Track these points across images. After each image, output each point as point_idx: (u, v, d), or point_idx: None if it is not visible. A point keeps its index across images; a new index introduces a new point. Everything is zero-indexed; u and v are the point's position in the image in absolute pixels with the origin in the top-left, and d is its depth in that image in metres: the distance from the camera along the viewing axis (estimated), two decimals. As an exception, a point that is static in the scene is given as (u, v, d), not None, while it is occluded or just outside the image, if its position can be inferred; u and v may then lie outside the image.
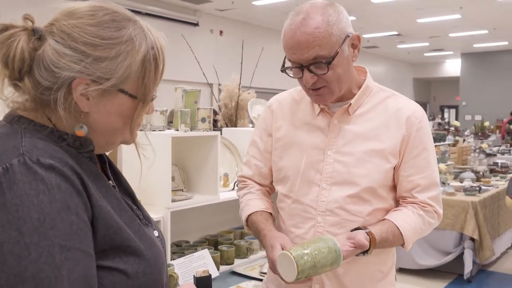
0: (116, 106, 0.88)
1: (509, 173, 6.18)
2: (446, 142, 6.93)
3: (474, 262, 4.56)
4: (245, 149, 2.60)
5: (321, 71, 1.31)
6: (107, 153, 1.05)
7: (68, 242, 0.75)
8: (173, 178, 2.21)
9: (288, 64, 1.37)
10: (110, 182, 0.97)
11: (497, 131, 12.42)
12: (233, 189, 2.51)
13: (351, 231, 1.35)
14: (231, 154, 2.63)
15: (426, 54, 18.81)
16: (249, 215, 1.50)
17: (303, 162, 1.44)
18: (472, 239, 4.49)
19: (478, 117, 16.47)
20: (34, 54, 0.84)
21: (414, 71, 21.56)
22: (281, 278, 1.27)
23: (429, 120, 12.62)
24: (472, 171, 5.74)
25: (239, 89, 2.92)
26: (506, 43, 15.97)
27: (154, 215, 2.00)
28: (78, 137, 0.88)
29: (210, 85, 3.97)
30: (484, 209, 4.59)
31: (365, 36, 14.02)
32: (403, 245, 1.41)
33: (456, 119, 17.61)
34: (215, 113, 3.07)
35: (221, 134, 2.54)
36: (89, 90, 0.85)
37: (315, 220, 1.41)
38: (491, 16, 12.11)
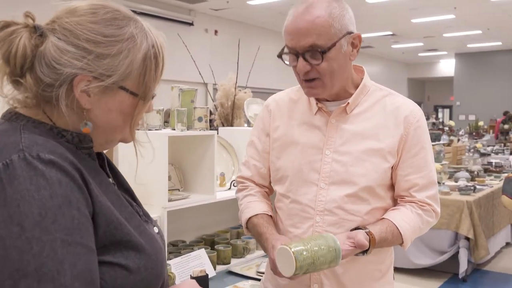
0: (117, 103, 0.89)
1: (503, 173, 6.21)
2: (441, 142, 6.97)
3: (469, 261, 4.58)
4: (241, 149, 2.62)
5: (316, 61, 1.32)
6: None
7: (69, 236, 0.75)
8: (169, 178, 2.20)
9: (286, 51, 1.37)
10: (110, 179, 0.97)
11: (491, 131, 12.48)
12: (229, 188, 2.51)
13: (351, 230, 1.35)
14: (228, 154, 2.63)
15: (420, 54, 18.88)
16: (249, 218, 1.49)
17: (301, 161, 1.43)
18: (467, 239, 4.51)
19: (472, 117, 16.56)
20: (35, 51, 0.84)
21: (408, 71, 21.63)
22: (282, 276, 1.26)
23: (424, 120, 12.57)
24: (467, 170, 5.77)
25: (235, 88, 2.92)
26: (499, 43, 16.06)
27: (150, 214, 1.98)
28: (77, 133, 0.88)
29: (205, 84, 3.96)
30: (479, 208, 4.61)
31: (359, 36, 14.04)
32: (401, 244, 1.41)
33: (450, 119, 17.69)
34: (210, 113, 3.06)
35: (217, 133, 2.53)
36: (90, 87, 0.85)
37: (313, 219, 1.41)
38: (485, 17, 12.17)
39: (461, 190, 4.77)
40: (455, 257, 4.56)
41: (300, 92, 1.51)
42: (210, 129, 2.29)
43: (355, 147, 1.40)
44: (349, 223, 1.38)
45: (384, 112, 1.43)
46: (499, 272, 4.99)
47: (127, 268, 0.84)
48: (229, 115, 2.94)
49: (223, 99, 2.96)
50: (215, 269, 2.19)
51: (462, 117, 17.62)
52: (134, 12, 0.94)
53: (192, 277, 1.78)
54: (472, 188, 4.81)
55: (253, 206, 1.51)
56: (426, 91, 23.50)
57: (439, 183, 4.95)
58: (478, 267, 5.01)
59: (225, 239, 2.48)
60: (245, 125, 2.97)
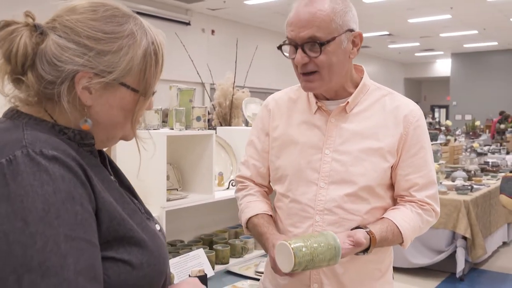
0: (118, 99, 0.89)
1: (500, 172, 6.23)
2: (438, 142, 6.98)
3: (466, 261, 4.59)
4: (239, 148, 2.61)
5: (314, 53, 1.32)
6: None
7: (73, 232, 0.76)
8: (167, 177, 2.19)
9: (286, 43, 1.38)
10: (112, 177, 0.98)
11: (487, 131, 12.52)
12: (228, 188, 2.50)
13: (352, 229, 1.34)
14: (226, 153, 2.62)
15: (417, 54, 18.91)
16: (249, 218, 1.49)
17: (300, 161, 1.43)
18: (464, 238, 4.52)
19: (468, 117, 16.61)
20: (36, 49, 0.85)
21: (405, 71, 21.67)
22: (282, 274, 1.26)
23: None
24: (464, 170, 5.78)
25: (233, 88, 2.91)
26: (495, 43, 16.11)
27: (149, 214, 1.98)
28: (79, 131, 0.89)
29: (202, 84, 3.95)
30: (476, 208, 4.62)
31: (356, 36, 14.05)
32: (401, 243, 1.41)
33: (447, 118, 17.74)
34: (208, 112, 3.05)
35: (215, 133, 2.52)
36: (92, 83, 0.86)
37: (313, 219, 1.40)
38: (481, 17, 12.20)
39: (458, 189, 4.78)
40: (452, 257, 4.57)
41: (299, 91, 1.51)
42: (209, 129, 2.29)
43: (354, 146, 1.40)
44: (349, 223, 1.38)
45: (383, 111, 1.42)
46: (496, 272, 5.00)
47: (130, 264, 0.85)
48: (227, 115, 2.94)
49: (221, 99, 2.95)
50: (213, 269, 2.19)
51: (458, 117, 17.67)
52: (131, 11, 0.95)
53: (190, 277, 1.77)
54: (469, 187, 4.82)
55: (253, 206, 1.51)
56: (423, 91, 23.54)
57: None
58: (475, 267, 5.02)
59: (224, 238, 2.48)
60: (243, 124, 2.96)
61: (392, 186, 1.45)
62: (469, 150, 7.15)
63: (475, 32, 14.20)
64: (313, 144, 1.43)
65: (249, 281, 2.16)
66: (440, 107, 22.87)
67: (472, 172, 5.80)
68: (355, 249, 1.29)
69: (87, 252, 0.77)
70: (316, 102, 1.45)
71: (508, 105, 15.54)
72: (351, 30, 1.35)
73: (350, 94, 1.43)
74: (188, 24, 11.32)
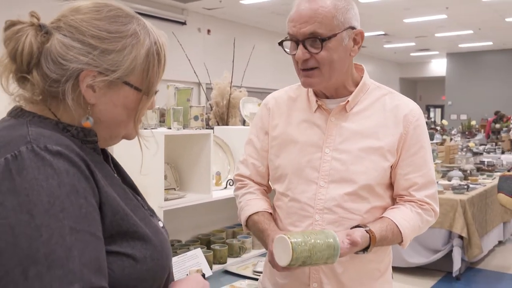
0: (121, 98, 0.91)
1: (495, 172, 6.25)
2: (434, 141, 6.99)
3: (462, 260, 4.60)
4: (237, 148, 2.61)
5: (315, 49, 1.32)
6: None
7: (77, 224, 0.77)
8: (165, 177, 2.18)
9: (287, 39, 1.37)
10: (115, 175, 0.99)
11: (482, 130, 12.56)
12: (225, 188, 2.50)
13: (351, 228, 1.34)
14: (224, 153, 2.62)
15: (412, 54, 18.96)
16: (249, 216, 1.48)
17: (300, 160, 1.42)
18: (461, 237, 4.52)
19: (463, 117, 16.66)
20: (42, 48, 0.86)
21: (400, 70, 21.72)
22: (278, 267, 1.26)
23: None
24: (460, 169, 5.79)
25: (230, 87, 2.91)
26: (490, 43, 16.17)
27: (146, 214, 1.97)
28: (82, 128, 0.90)
29: (198, 84, 3.94)
30: (472, 207, 4.63)
31: (352, 35, 14.08)
32: (400, 243, 1.41)
33: (442, 118, 17.78)
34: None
35: (213, 132, 2.52)
36: (96, 82, 0.87)
37: (312, 218, 1.40)
38: (476, 17, 12.24)
39: (455, 189, 4.79)
40: (448, 256, 4.57)
41: (299, 90, 1.51)
42: (206, 128, 2.28)
43: (354, 145, 1.39)
44: (348, 222, 1.37)
45: (383, 110, 1.42)
46: (492, 270, 5.02)
47: (133, 258, 0.86)
48: (224, 114, 2.93)
49: (218, 98, 2.94)
50: (211, 269, 2.18)
51: (453, 117, 17.72)
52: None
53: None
54: (465, 187, 4.83)
55: (253, 203, 1.50)
56: (418, 91, 23.60)
57: (432, 182, 4.97)
58: (472, 266, 5.04)
59: (221, 238, 2.47)
60: (240, 124, 2.96)
61: (391, 186, 1.44)
62: (465, 149, 7.17)
63: (470, 32, 14.25)
64: (313, 143, 1.42)
65: (247, 281, 2.16)
66: (435, 106, 22.94)
67: (468, 171, 5.82)
68: (353, 248, 1.28)
69: (92, 244, 0.78)
70: (316, 101, 1.44)
71: (503, 104, 15.61)
72: (353, 28, 1.35)
73: (351, 92, 1.43)
74: (184, 23, 11.31)
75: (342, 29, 1.32)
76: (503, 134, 11.47)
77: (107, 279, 0.80)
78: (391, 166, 1.41)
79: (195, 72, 3.21)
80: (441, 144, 7.24)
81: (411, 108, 1.43)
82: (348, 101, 1.42)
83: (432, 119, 17.70)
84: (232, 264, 2.33)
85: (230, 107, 2.91)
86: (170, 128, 2.15)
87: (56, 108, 0.89)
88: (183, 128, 2.17)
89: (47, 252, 0.73)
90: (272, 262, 1.30)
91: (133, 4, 9.34)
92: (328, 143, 1.41)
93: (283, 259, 1.22)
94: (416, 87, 23.67)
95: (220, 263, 2.30)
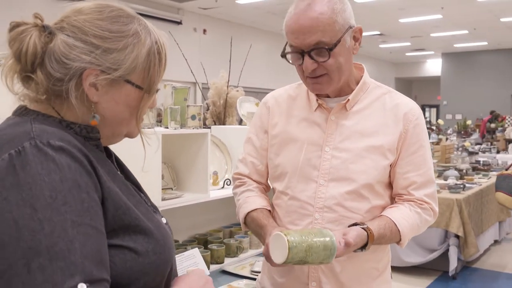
0: (123, 96, 0.93)
1: (491, 171, 6.28)
2: (430, 141, 7.00)
3: (458, 259, 4.61)
4: (234, 147, 2.60)
5: (322, 58, 1.31)
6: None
7: (79, 218, 0.78)
8: (162, 177, 2.17)
9: (289, 50, 1.35)
10: (118, 172, 1.01)
11: (477, 130, 12.60)
12: (222, 187, 2.49)
13: (349, 226, 1.33)
14: (221, 152, 2.61)
15: (407, 54, 19.00)
16: (248, 213, 1.47)
17: (300, 158, 1.42)
18: (457, 236, 4.54)
19: (458, 116, 16.72)
20: (45, 48, 0.89)
21: (396, 70, 21.76)
22: (272, 261, 1.25)
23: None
24: (456, 169, 5.81)
25: (227, 86, 2.90)
26: (485, 43, 16.23)
27: (144, 214, 1.96)
28: (85, 126, 0.93)
29: (194, 84, 3.93)
30: (468, 206, 4.64)
31: (348, 35, 14.09)
32: (399, 242, 1.41)
33: (437, 118, 17.83)
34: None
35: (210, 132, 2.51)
36: (98, 80, 0.90)
37: (312, 217, 1.40)
38: (471, 17, 12.28)
39: (451, 188, 4.80)
40: (445, 255, 4.58)
41: (299, 89, 1.50)
42: (203, 128, 2.27)
43: (354, 144, 1.39)
44: (348, 221, 1.36)
45: (383, 109, 1.42)
46: (488, 270, 5.04)
47: (135, 251, 0.87)
48: (221, 114, 2.92)
49: (215, 98, 2.93)
50: (208, 269, 2.17)
51: (449, 116, 17.77)
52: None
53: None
54: (461, 186, 4.84)
55: (252, 201, 1.50)
56: (413, 91, 23.65)
57: (429, 181, 4.97)
58: (468, 265, 5.05)
59: (218, 238, 2.46)
60: (237, 123, 2.95)
61: (390, 185, 1.44)
62: (460, 149, 7.19)
63: (466, 32, 14.29)
64: (313, 142, 1.42)
65: (244, 281, 2.16)
66: (430, 106, 23.00)
67: (464, 171, 5.83)
68: (348, 249, 1.27)
69: (93, 237, 0.80)
70: (317, 100, 1.44)
71: (498, 104, 15.67)
72: (351, 26, 1.34)
73: (351, 91, 1.43)
74: (179, 23, 11.28)
75: (344, 31, 1.31)
76: (498, 134, 11.52)
77: (109, 272, 0.81)
78: (390, 165, 1.40)
79: (192, 72, 3.20)
80: (437, 143, 7.25)
81: (411, 107, 1.43)
82: (348, 99, 1.41)
83: (428, 119, 17.75)
84: (229, 264, 2.32)
85: (227, 107, 2.90)
86: (167, 128, 2.13)
87: (60, 107, 0.92)
88: (180, 128, 2.16)
89: (49, 245, 0.74)
90: (267, 256, 1.29)
91: (128, 3, 9.30)
92: (328, 141, 1.41)
93: (278, 257, 1.22)
94: (412, 87, 23.72)
95: (217, 263, 2.29)
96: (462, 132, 9.88)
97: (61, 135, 0.84)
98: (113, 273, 0.83)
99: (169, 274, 0.96)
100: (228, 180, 2.47)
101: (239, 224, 1.62)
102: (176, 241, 2.38)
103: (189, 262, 2.08)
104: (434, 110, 22.73)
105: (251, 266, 2.38)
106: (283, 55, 1.37)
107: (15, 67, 0.90)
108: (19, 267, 0.74)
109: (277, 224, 1.47)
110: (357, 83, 1.44)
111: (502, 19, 12.60)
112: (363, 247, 1.31)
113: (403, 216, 1.38)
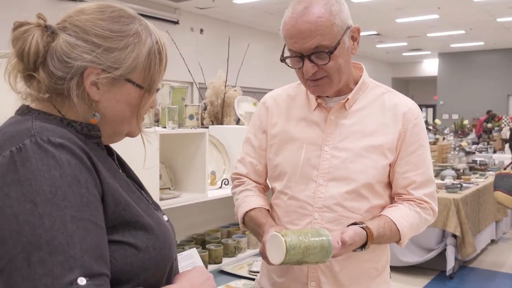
0: (124, 95, 0.95)
1: (488, 171, 6.29)
2: (427, 140, 6.99)
3: (456, 259, 4.62)
4: (232, 147, 2.59)
5: (322, 61, 1.30)
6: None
7: (79, 213, 0.80)
8: (160, 176, 2.17)
9: (288, 54, 1.35)
10: (120, 170, 1.02)
11: (474, 129, 12.63)
12: (220, 187, 2.48)
13: (348, 225, 1.33)
14: (218, 152, 2.60)
15: (404, 54, 19.03)
16: (247, 212, 1.47)
17: (299, 158, 1.41)
18: (454, 236, 4.54)
19: (455, 116, 16.76)
20: (48, 47, 0.90)
21: (392, 70, 21.79)
22: (268, 260, 1.25)
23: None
24: (453, 168, 5.81)
25: (225, 86, 2.89)
26: (482, 43, 16.27)
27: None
28: (86, 124, 0.94)
29: (191, 84, 3.91)
30: (465, 206, 4.65)
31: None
32: (398, 241, 1.41)
33: (434, 118, 17.87)
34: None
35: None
36: (99, 78, 0.91)
37: (311, 216, 1.39)
38: (468, 17, 12.31)
39: (448, 188, 4.80)
40: (442, 255, 4.59)
41: (298, 89, 1.50)
42: (201, 127, 2.27)
43: (354, 143, 1.39)
44: (348, 221, 1.36)
45: (383, 109, 1.42)
46: (485, 269, 5.05)
47: (136, 247, 0.88)
48: (219, 114, 2.91)
49: (212, 97, 2.93)
50: (206, 269, 2.16)
51: (445, 116, 17.81)
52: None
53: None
54: (458, 186, 4.85)
55: (251, 200, 1.49)
56: (410, 91, 23.67)
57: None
58: (465, 264, 5.06)
59: (216, 238, 2.46)
60: (235, 123, 2.94)
61: (389, 185, 1.44)
62: (457, 148, 7.20)
63: (462, 32, 14.33)
64: (312, 141, 1.41)
65: (242, 281, 2.15)
66: (427, 106, 23.03)
67: (461, 170, 5.84)
68: (345, 248, 1.26)
69: (93, 232, 0.81)
70: (316, 99, 1.43)
71: (495, 104, 15.73)
72: (349, 27, 1.34)
73: (351, 90, 1.43)
74: (176, 23, 11.27)
75: (342, 32, 1.30)
76: (494, 134, 11.55)
77: (108, 267, 0.82)
78: (389, 164, 1.40)
79: (189, 72, 3.19)
80: (434, 143, 7.26)
81: (410, 106, 1.43)
82: (347, 99, 1.41)
83: (424, 119, 17.76)
84: (227, 264, 2.32)
85: (224, 106, 2.89)
86: (165, 127, 2.13)
87: (61, 105, 0.93)
88: (178, 127, 2.15)
89: (49, 239, 0.76)
90: (263, 254, 1.29)
91: (125, 3, 9.29)
92: (327, 141, 1.40)
93: (275, 258, 1.22)
94: (408, 87, 23.75)
95: (215, 263, 2.29)
96: (459, 132, 9.90)
97: (61, 132, 0.86)
98: (114, 269, 0.84)
99: (170, 271, 0.97)
100: (226, 180, 2.47)
101: (237, 224, 1.61)
102: (174, 241, 2.37)
103: (187, 262, 2.07)
104: (430, 110, 22.77)
105: (249, 266, 2.37)
106: (283, 60, 1.36)
107: (18, 66, 0.91)
108: (19, 261, 0.75)
109: (276, 224, 1.47)
110: (356, 82, 1.44)
111: (498, 19, 12.64)
112: (363, 246, 1.30)
113: (402, 216, 1.38)
